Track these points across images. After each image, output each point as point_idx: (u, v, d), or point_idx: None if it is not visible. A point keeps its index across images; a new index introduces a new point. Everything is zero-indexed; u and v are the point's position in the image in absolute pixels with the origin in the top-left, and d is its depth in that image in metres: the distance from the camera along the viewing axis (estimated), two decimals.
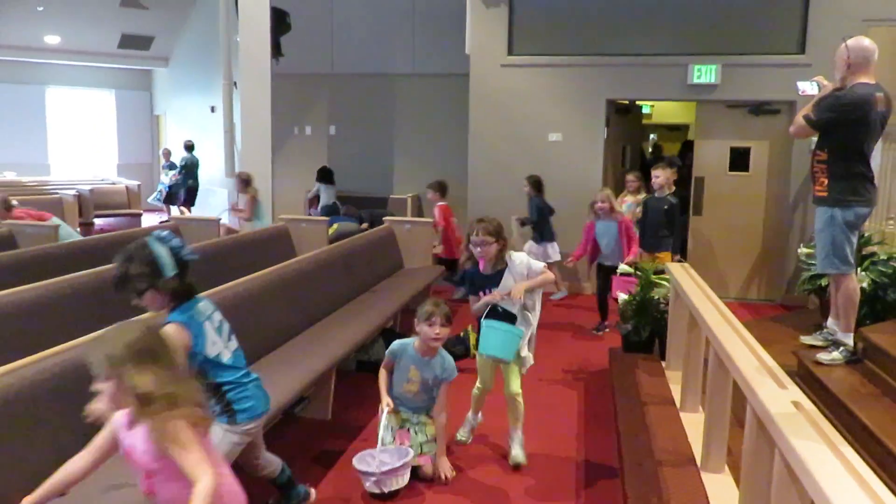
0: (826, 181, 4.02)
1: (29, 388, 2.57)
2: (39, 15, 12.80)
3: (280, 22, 8.14)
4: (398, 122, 10.84)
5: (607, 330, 6.47)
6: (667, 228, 6.13)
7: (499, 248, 3.72)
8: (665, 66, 7.75)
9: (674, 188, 6.40)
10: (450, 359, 3.66)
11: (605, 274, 6.37)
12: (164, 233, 2.60)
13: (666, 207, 6.14)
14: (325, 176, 10.24)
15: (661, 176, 6.23)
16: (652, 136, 13.67)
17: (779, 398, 2.28)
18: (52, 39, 13.72)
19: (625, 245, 6.20)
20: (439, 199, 8.00)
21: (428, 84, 10.46)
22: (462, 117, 8.68)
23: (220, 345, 2.69)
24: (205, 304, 2.70)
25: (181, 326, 2.54)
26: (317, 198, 10.29)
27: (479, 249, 3.70)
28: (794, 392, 2.36)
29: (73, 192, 11.41)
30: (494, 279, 3.73)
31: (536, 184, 7.59)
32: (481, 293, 3.76)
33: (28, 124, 14.95)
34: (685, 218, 8.08)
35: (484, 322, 3.64)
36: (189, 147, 13.11)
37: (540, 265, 3.78)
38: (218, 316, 2.74)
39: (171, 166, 13.56)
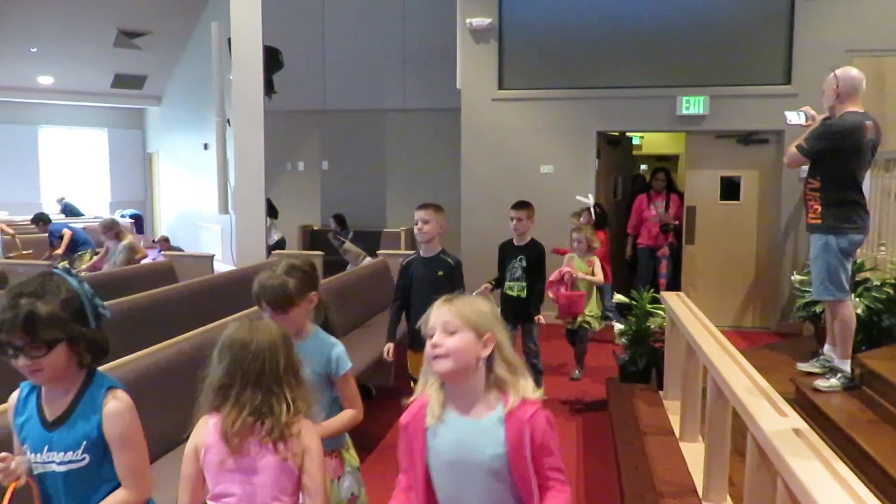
0: (819, 208, 4.04)
1: None
2: (33, 56, 12.90)
3: (273, 60, 8.21)
4: (390, 156, 10.91)
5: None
6: None
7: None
8: (654, 97, 7.84)
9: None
10: (330, 344, 2.59)
11: None
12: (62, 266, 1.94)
13: (441, 273, 4.00)
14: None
15: (433, 221, 3.98)
16: (643, 166, 13.76)
17: (779, 426, 2.27)
18: (46, 80, 13.81)
19: None
20: None
21: (419, 119, 10.56)
22: (454, 151, 8.73)
23: None
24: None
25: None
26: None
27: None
28: (795, 419, 2.34)
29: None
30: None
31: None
32: None
33: (20, 164, 15.00)
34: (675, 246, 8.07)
35: None
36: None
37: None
38: None
39: (67, 208, 14.52)
